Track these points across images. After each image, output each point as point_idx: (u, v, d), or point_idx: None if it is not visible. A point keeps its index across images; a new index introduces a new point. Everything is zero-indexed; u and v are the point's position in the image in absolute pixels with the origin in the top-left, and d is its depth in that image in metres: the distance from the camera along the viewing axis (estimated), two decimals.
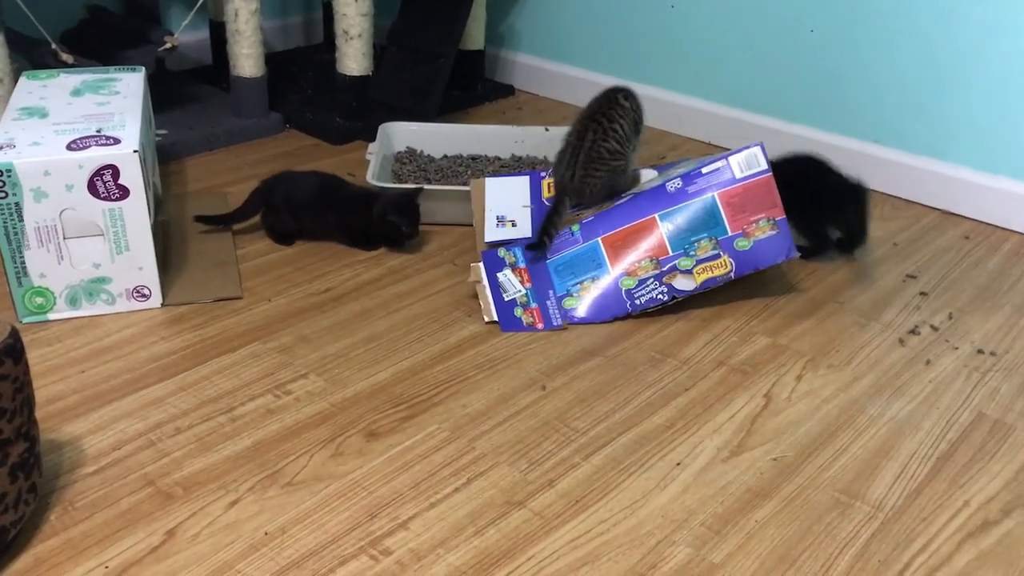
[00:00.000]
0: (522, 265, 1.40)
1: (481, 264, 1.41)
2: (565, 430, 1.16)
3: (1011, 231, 1.72)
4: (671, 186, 1.39)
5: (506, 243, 1.45)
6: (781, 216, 1.38)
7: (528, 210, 1.49)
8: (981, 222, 1.75)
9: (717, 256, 1.37)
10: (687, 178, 1.39)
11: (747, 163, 1.38)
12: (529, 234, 1.46)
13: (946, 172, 1.77)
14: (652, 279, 1.38)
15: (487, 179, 1.51)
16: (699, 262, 1.37)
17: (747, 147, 1.39)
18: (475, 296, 1.42)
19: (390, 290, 1.45)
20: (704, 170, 1.39)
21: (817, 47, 1.88)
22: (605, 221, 1.41)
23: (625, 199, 1.43)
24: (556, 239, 1.43)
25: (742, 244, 1.38)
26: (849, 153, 1.88)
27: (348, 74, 2.01)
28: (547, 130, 1.87)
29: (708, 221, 1.38)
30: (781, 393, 1.25)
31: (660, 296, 1.38)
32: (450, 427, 1.16)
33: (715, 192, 1.38)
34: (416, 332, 1.35)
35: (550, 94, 2.35)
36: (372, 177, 1.63)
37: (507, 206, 1.49)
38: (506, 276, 1.39)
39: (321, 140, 2.01)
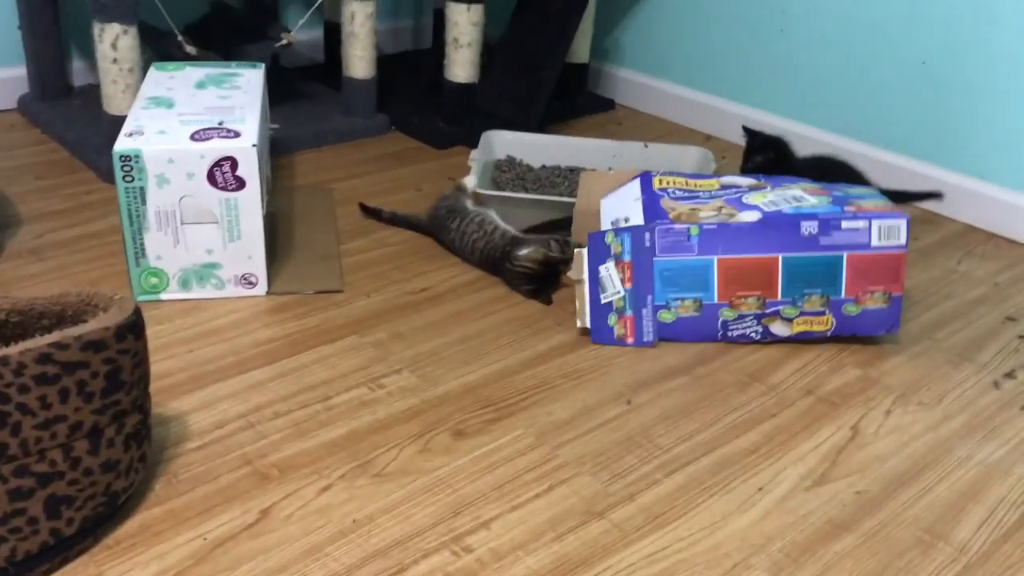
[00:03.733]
0: (627, 259, 1.36)
1: (585, 251, 1.37)
2: (648, 446, 1.18)
3: None
4: (806, 229, 1.34)
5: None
6: (899, 293, 1.36)
7: (639, 202, 1.45)
8: None
9: (822, 313, 1.37)
10: (825, 226, 1.34)
11: (888, 232, 1.34)
12: (642, 222, 1.39)
13: None
14: (752, 317, 1.37)
15: (602, 201, 1.48)
16: (802, 313, 1.37)
17: (893, 216, 1.34)
18: (565, 304, 1.44)
19: (484, 293, 1.49)
20: (844, 224, 1.34)
21: (928, 79, 1.85)
22: (727, 239, 1.35)
23: (754, 218, 1.36)
24: (670, 236, 1.36)
25: (850, 309, 1.37)
26: (952, 187, 1.85)
27: (455, 81, 2.06)
28: (646, 146, 1.89)
29: (827, 278, 1.35)
30: (868, 427, 1.24)
31: (753, 335, 1.38)
32: (535, 433, 1.18)
33: (846, 253, 1.35)
34: (507, 336, 1.38)
35: (650, 110, 2.36)
36: (473, 183, 1.66)
37: (619, 209, 1.46)
38: (608, 271, 1.36)
39: (424, 143, 2.06)
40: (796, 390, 1.30)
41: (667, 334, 1.39)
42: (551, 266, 1.47)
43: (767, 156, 1.72)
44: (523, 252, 1.47)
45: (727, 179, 1.49)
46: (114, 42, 1.66)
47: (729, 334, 1.38)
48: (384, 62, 2.25)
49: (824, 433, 1.22)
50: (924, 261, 1.69)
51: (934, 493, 1.13)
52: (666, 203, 1.41)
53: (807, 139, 2.05)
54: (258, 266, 1.42)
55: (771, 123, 2.11)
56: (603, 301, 1.37)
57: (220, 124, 1.39)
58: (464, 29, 1.99)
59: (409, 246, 1.62)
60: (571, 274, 1.40)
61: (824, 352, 1.39)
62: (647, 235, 1.36)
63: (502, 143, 1.91)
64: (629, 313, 1.37)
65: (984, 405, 1.30)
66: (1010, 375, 1.37)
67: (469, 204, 1.58)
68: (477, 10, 1.98)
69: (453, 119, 2.09)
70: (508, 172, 1.85)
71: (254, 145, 1.34)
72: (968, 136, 1.83)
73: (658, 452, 1.17)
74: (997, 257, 1.73)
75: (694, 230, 1.35)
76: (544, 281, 1.48)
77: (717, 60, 2.20)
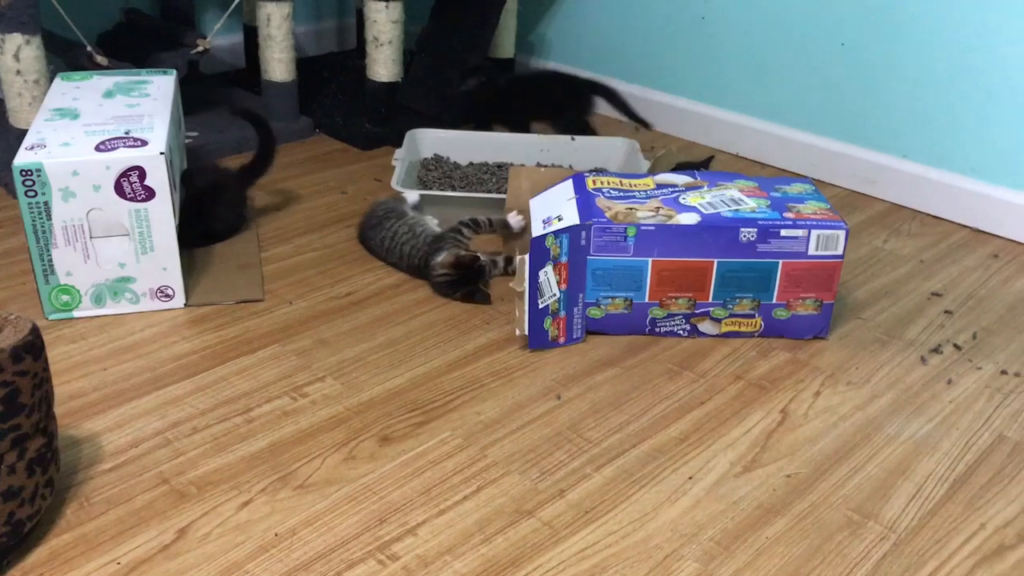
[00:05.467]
0: (564, 260, 1.33)
1: (527, 257, 1.31)
2: (578, 440, 1.16)
3: None
4: (745, 235, 1.32)
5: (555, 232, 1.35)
6: (830, 301, 1.36)
7: (573, 201, 1.41)
8: (1011, 240, 1.72)
9: (752, 316, 1.37)
10: (763, 232, 1.32)
11: (826, 243, 1.33)
12: (577, 222, 1.35)
13: (976, 189, 1.75)
14: (681, 316, 1.37)
15: (531, 201, 1.46)
16: (732, 315, 1.37)
17: (834, 226, 1.33)
18: (494, 302, 1.41)
19: (410, 296, 1.46)
20: (783, 232, 1.32)
21: (848, 60, 1.86)
22: (664, 241, 1.33)
23: (693, 221, 1.34)
24: (606, 235, 1.34)
25: (780, 314, 1.37)
26: (877, 167, 1.86)
27: (377, 80, 2.02)
28: (573, 139, 1.88)
29: (760, 284, 1.35)
30: (798, 409, 1.24)
31: (680, 332, 1.38)
32: (463, 434, 1.16)
33: (782, 260, 1.34)
34: (433, 338, 1.35)
35: None
36: (397, 183, 1.64)
37: (550, 208, 1.42)
38: (547, 275, 1.33)
39: (349, 145, 2.03)
40: (726, 376, 1.30)
41: (595, 327, 1.37)
42: (466, 267, 1.44)
43: (479, 79, 1.98)
44: (437, 260, 1.44)
45: (661, 178, 1.47)
46: (16, 53, 1.60)
47: (657, 330, 1.38)
48: (307, 64, 2.22)
49: (754, 418, 1.22)
50: (851, 241, 1.70)
51: (864, 472, 1.13)
52: (601, 202, 1.38)
53: (732, 124, 2.06)
54: (174, 278, 1.37)
55: (695, 110, 2.12)
56: (540, 305, 1.33)
57: (127, 133, 1.34)
58: (384, 27, 1.96)
59: (333, 251, 1.58)
60: (513, 285, 1.36)
61: (754, 337, 1.39)
62: (583, 233, 1.33)
63: (428, 141, 1.89)
64: (562, 314, 1.35)
65: (912, 381, 1.31)
66: (936, 350, 1.38)
67: (409, 211, 1.56)
68: (396, 7, 1.95)
69: (378, 119, 2.05)
70: (435, 171, 1.83)
71: (162, 153, 1.30)
72: (889, 116, 1.84)
73: (588, 446, 1.15)
74: (922, 234, 1.75)
75: (631, 231, 1.33)
76: (470, 282, 1.45)
77: (641, 50, 2.20)
